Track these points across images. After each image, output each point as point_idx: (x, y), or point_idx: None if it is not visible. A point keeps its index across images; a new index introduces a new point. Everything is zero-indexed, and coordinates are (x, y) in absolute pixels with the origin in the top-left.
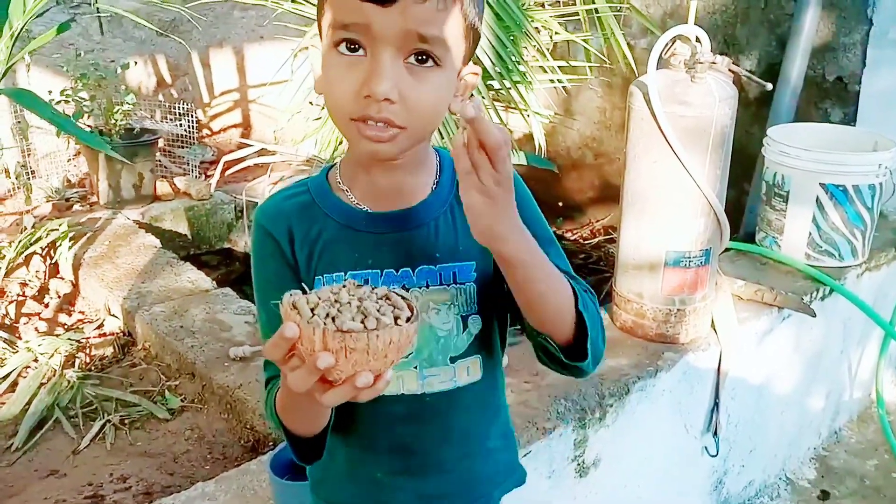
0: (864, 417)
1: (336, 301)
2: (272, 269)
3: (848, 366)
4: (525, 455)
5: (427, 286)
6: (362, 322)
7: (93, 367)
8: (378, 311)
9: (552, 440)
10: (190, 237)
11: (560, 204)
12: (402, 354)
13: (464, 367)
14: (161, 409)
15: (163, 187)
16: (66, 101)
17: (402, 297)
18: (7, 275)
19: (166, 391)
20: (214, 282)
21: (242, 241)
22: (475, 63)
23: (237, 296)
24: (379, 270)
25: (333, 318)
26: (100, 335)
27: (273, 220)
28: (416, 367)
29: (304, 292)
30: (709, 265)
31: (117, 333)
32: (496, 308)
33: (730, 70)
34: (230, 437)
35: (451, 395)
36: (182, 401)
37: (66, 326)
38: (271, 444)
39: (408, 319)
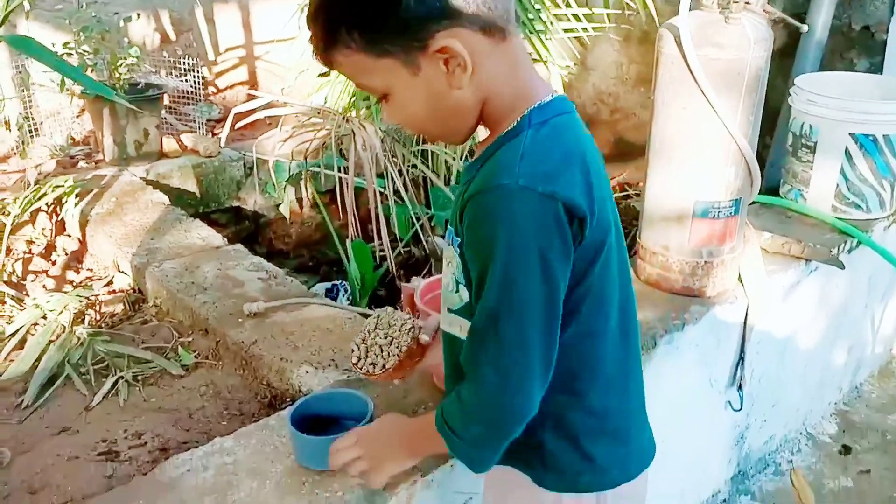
0: (885, 373)
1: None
2: None
3: (871, 320)
4: None
5: (445, 238)
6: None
7: (103, 324)
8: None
9: None
10: (198, 195)
11: None
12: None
13: (457, 322)
14: (175, 366)
15: (169, 144)
16: (69, 55)
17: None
18: (13, 232)
19: (179, 347)
20: (225, 239)
21: (252, 199)
22: None
23: (248, 252)
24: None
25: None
26: (109, 292)
27: None
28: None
29: None
30: (738, 216)
31: (127, 290)
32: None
33: (764, 11)
34: (246, 393)
35: (450, 338)
36: (196, 357)
37: (74, 283)
38: (289, 399)
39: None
